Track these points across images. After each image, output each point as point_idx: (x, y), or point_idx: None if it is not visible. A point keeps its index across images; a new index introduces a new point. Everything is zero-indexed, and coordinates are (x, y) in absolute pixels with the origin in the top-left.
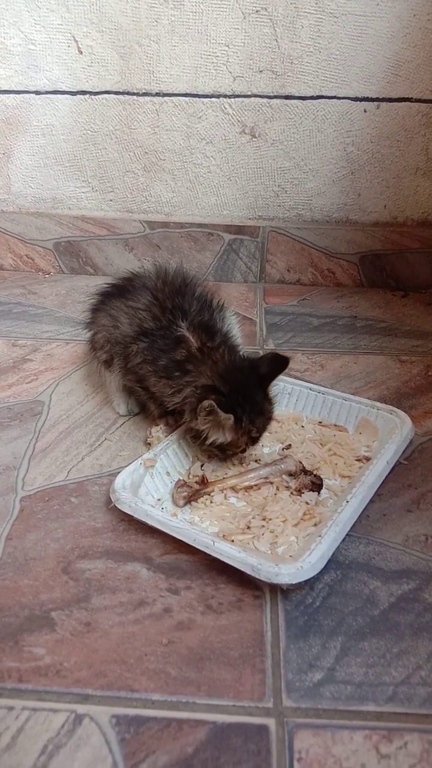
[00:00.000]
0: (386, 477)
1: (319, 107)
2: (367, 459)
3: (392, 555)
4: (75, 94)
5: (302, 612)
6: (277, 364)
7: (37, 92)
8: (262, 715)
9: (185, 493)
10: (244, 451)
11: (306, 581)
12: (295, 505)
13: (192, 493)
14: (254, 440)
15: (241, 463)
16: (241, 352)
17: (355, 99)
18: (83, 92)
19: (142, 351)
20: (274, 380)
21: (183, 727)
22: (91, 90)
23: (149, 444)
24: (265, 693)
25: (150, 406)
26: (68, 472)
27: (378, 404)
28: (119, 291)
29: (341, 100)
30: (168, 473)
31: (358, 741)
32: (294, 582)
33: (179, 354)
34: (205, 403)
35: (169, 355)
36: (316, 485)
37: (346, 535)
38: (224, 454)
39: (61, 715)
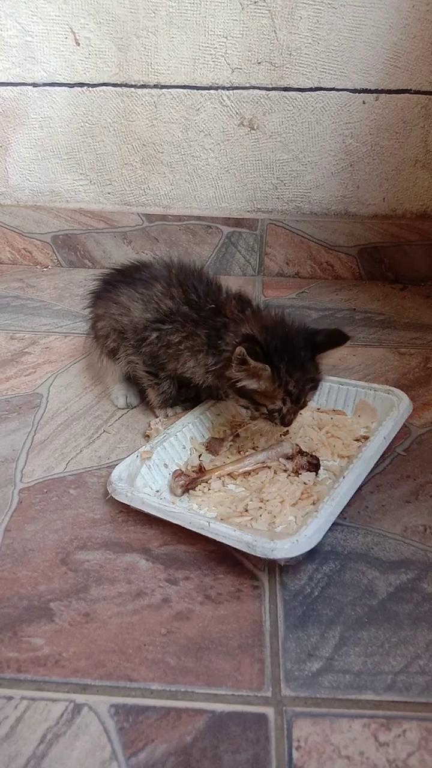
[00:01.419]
0: (385, 468)
1: (318, 99)
2: (366, 438)
3: (391, 545)
4: (72, 87)
5: (301, 602)
6: (336, 338)
7: (34, 84)
8: (260, 704)
9: (182, 482)
10: (283, 416)
11: (304, 570)
12: (293, 485)
13: (189, 481)
14: (292, 395)
15: (286, 434)
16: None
17: (354, 91)
18: (81, 84)
19: (169, 333)
20: (326, 351)
21: (182, 716)
22: (88, 82)
23: (148, 436)
24: (264, 682)
25: (150, 395)
26: (67, 464)
27: (375, 385)
28: (124, 278)
29: (340, 92)
30: (166, 465)
31: (357, 729)
32: (290, 556)
33: (218, 322)
34: (238, 350)
35: (207, 326)
36: (313, 465)
37: (345, 525)
38: (260, 410)
39: (60, 704)
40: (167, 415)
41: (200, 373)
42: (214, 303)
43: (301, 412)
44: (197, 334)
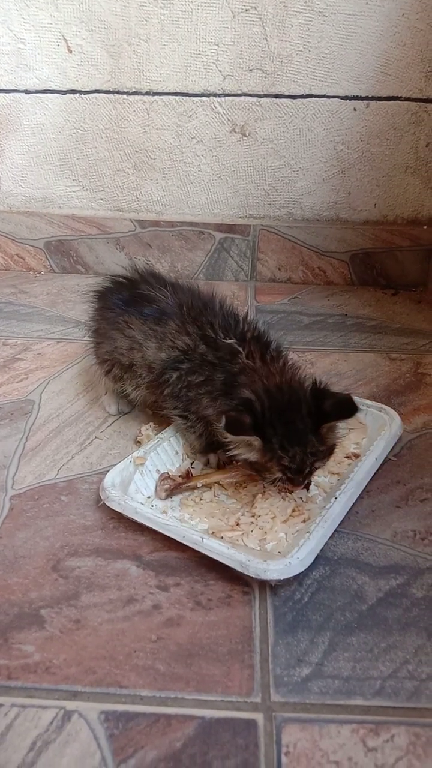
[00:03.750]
0: (375, 473)
1: (309, 106)
2: (356, 456)
3: (380, 551)
4: (65, 93)
5: (291, 608)
6: (344, 410)
7: (26, 91)
8: (250, 710)
9: (167, 486)
10: (294, 481)
11: (294, 577)
12: (284, 501)
13: (174, 486)
14: (290, 470)
15: (290, 492)
16: (305, 375)
17: (345, 98)
18: (73, 91)
19: (189, 373)
20: (332, 422)
21: (171, 723)
22: (81, 89)
23: (139, 442)
24: (254, 688)
25: (190, 439)
26: (58, 471)
27: (367, 401)
28: (132, 303)
29: (331, 99)
30: (158, 471)
31: (346, 735)
32: (282, 578)
33: (235, 366)
34: (227, 416)
35: (224, 369)
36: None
37: (335, 531)
38: (262, 476)
39: (50, 711)
40: (209, 462)
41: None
42: (234, 338)
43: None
44: (214, 378)
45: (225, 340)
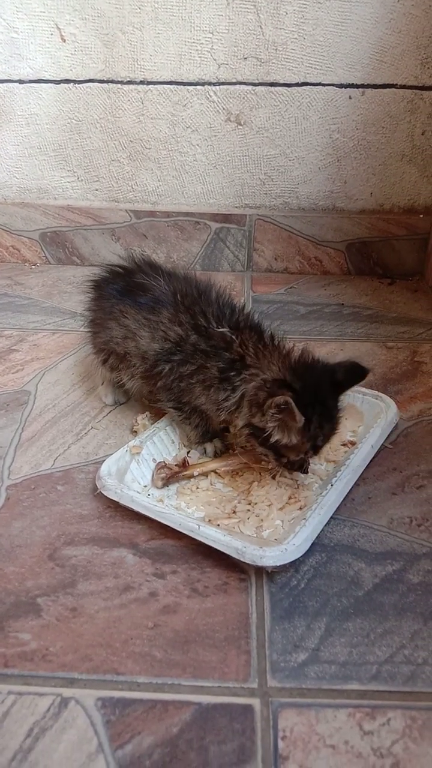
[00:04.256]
0: (371, 461)
1: (304, 94)
2: (353, 443)
3: (377, 537)
4: (59, 83)
5: (287, 594)
6: (356, 374)
7: (20, 81)
8: (246, 696)
9: (164, 475)
10: (302, 464)
11: (291, 563)
12: (281, 489)
13: (171, 474)
14: (317, 449)
15: (294, 479)
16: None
17: (340, 86)
18: (67, 81)
19: (180, 364)
20: (348, 389)
21: (168, 709)
22: (75, 78)
23: (135, 432)
24: (250, 674)
25: (185, 431)
26: (54, 461)
27: (363, 389)
28: (127, 292)
29: (326, 87)
30: (154, 460)
31: (342, 719)
32: (279, 564)
33: (233, 353)
34: (280, 399)
35: (219, 358)
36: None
37: (332, 518)
38: (279, 460)
39: (47, 698)
40: (206, 452)
41: (212, 410)
42: (228, 327)
43: None
44: (207, 366)
45: (218, 329)
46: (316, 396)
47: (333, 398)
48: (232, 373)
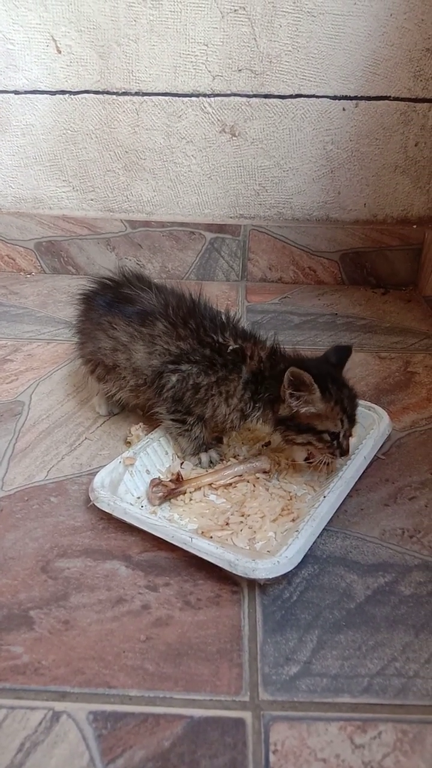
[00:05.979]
0: (364, 472)
1: (299, 106)
2: None
3: (369, 549)
4: (54, 94)
5: (279, 606)
6: (343, 351)
7: (16, 92)
8: (238, 709)
9: (161, 493)
10: (343, 444)
11: (283, 576)
12: (274, 500)
13: (168, 492)
14: (347, 413)
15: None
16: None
17: (334, 97)
18: (63, 92)
19: (196, 375)
20: (344, 365)
21: (160, 722)
22: (70, 90)
23: (129, 443)
24: (242, 687)
25: (182, 444)
26: (48, 472)
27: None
28: (116, 304)
29: (320, 99)
30: (148, 471)
31: (333, 732)
32: (271, 576)
33: (252, 366)
34: (286, 374)
35: (238, 370)
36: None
37: (324, 529)
38: (323, 440)
39: (39, 712)
40: (200, 462)
41: (235, 418)
42: (231, 338)
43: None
44: (229, 378)
45: (225, 342)
46: (320, 370)
47: (337, 375)
48: (255, 385)
